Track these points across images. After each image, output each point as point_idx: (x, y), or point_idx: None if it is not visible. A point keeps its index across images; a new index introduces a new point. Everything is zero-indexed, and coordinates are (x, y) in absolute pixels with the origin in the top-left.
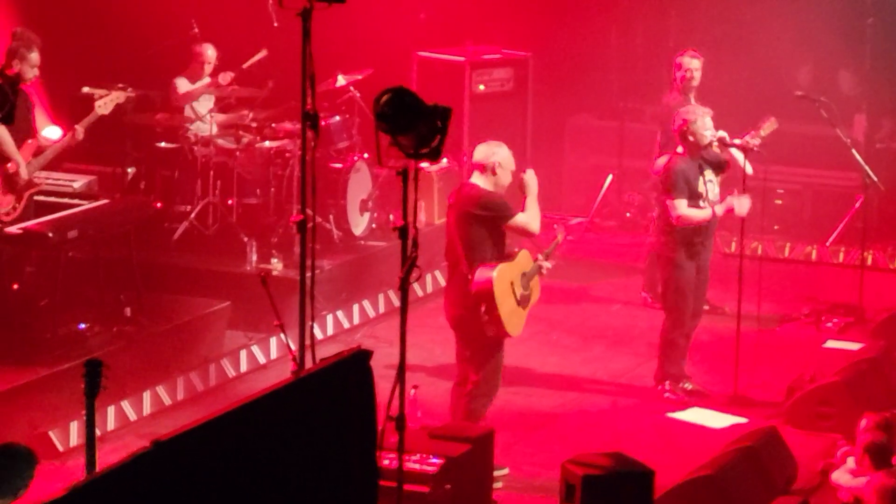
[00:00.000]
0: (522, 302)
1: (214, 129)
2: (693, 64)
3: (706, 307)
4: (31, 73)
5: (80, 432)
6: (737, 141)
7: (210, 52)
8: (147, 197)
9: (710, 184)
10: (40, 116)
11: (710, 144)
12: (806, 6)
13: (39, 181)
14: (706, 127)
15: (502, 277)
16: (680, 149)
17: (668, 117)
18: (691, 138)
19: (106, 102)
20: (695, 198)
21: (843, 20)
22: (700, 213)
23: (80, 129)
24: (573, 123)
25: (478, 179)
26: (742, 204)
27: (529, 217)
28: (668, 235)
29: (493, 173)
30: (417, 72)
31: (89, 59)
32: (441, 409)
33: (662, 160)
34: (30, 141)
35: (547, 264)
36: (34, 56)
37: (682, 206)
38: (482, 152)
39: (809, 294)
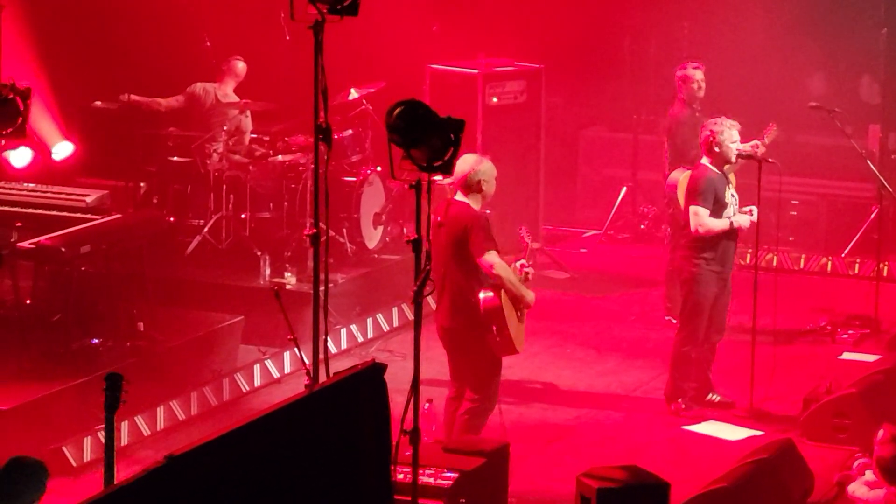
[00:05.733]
0: (522, 317)
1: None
2: (698, 75)
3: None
4: None
5: (94, 448)
6: (747, 147)
7: (241, 66)
8: (160, 211)
9: (732, 198)
10: (52, 131)
11: (737, 157)
12: (820, 17)
13: None
14: (732, 140)
15: (506, 296)
16: (705, 160)
17: (675, 130)
18: (717, 150)
19: None
20: (721, 208)
21: (857, 31)
22: (719, 224)
23: None
24: (587, 135)
25: (462, 198)
26: (742, 219)
27: (506, 272)
28: (690, 249)
29: (479, 190)
30: (430, 84)
31: (101, 73)
32: None
33: (675, 174)
34: None
35: (530, 270)
36: None
37: (704, 215)
38: (461, 169)
39: (825, 306)
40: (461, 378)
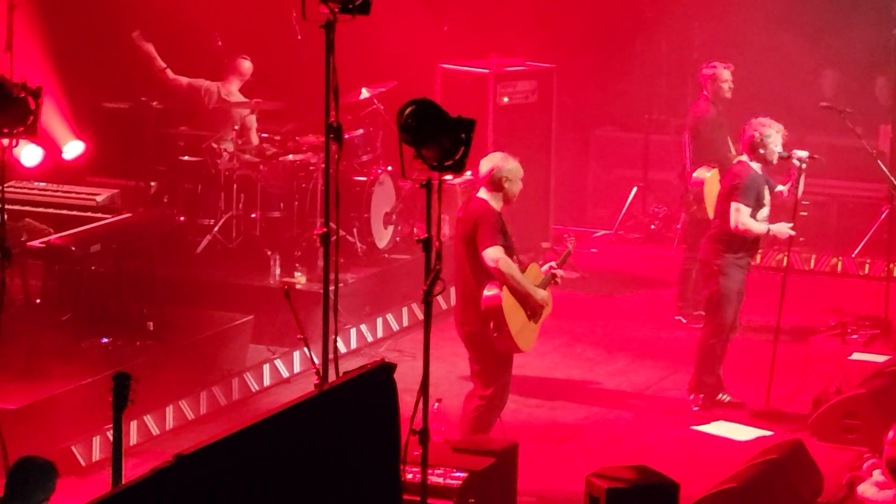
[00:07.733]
0: (534, 316)
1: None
2: (727, 75)
3: None
4: None
5: (103, 447)
6: (798, 153)
7: (247, 66)
8: (170, 210)
9: (767, 200)
10: (63, 131)
11: (782, 160)
12: (831, 17)
13: None
14: (777, 143)
15: (509, 294)
16: (745, 157)
17: (700, 129)
18: (762, 151)
19: None
20: (759, 208)
21: (868, 31)
22: (758, 227)
23: None
24: (597, 135)
25: (484, 194)
26: (781, 228)
27: (508, 269)
28: (719, 242)
29: (500, 188)
30: (441, 84)
31: (112, 73)
32: None
33: (702, 172)
34: None
35: (560, 272)
36: None
37: (745, 213)
38: (486, 166)
39: (835, 306)
40: (474, 375)
